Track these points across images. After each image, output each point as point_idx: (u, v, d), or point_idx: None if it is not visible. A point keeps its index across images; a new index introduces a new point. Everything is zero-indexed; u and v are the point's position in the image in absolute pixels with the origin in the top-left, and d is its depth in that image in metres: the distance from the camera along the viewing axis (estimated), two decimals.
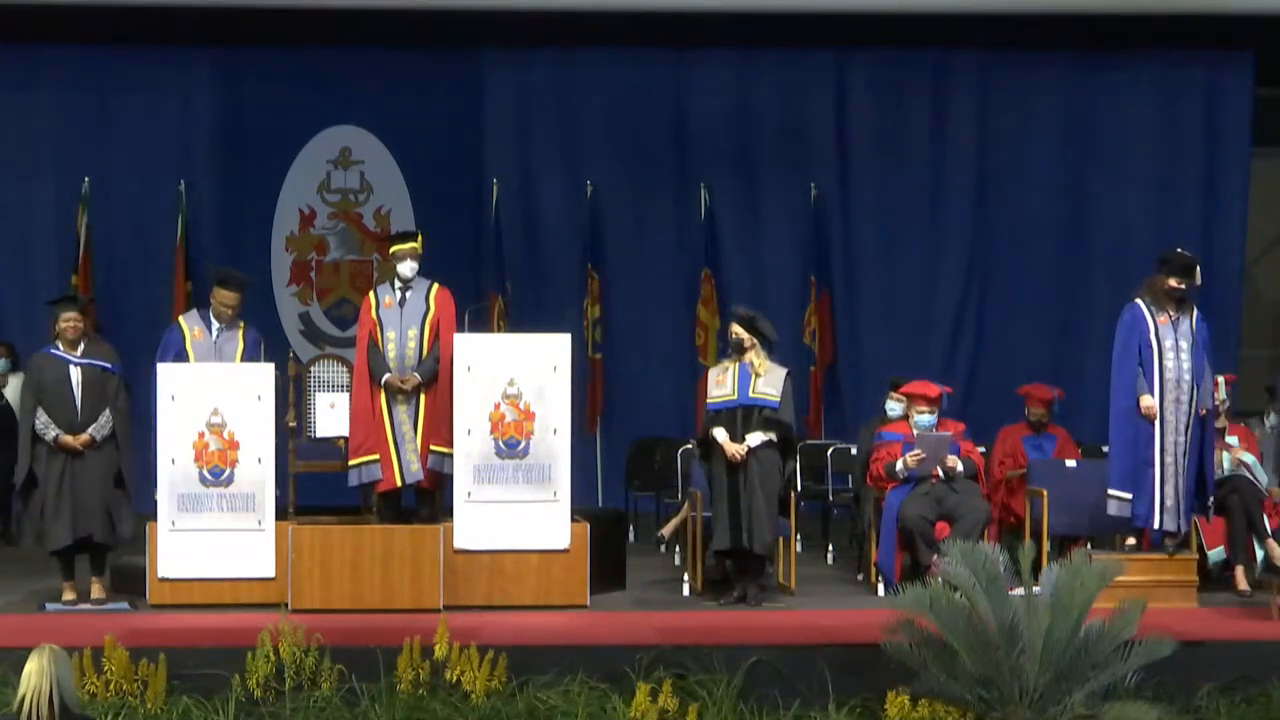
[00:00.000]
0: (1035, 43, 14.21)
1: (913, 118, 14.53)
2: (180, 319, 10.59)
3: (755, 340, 10.03)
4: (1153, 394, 9.83)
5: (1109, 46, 14.32)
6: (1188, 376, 9.83)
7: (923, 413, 10.45)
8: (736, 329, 10.10)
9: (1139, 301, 9.93)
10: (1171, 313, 9.86)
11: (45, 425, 9.60)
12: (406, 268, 10.08)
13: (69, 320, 9.76)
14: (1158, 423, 9.83)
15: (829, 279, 14.37)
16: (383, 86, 14.25)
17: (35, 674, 6.03)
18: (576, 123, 14.49)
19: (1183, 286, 9.86)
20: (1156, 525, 9.89)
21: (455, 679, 8.18)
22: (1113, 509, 9.96)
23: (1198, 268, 9.90)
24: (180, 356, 10.18)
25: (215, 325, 10.25)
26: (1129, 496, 9.89)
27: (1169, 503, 9.83)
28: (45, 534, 9.67)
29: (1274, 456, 11.52)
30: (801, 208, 14.38)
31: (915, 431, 10.36)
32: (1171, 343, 9.85)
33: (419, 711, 8.14)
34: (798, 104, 14.50)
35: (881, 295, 14.55)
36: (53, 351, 9.77)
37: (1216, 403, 10.71)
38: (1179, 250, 10.12)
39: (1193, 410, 9.83)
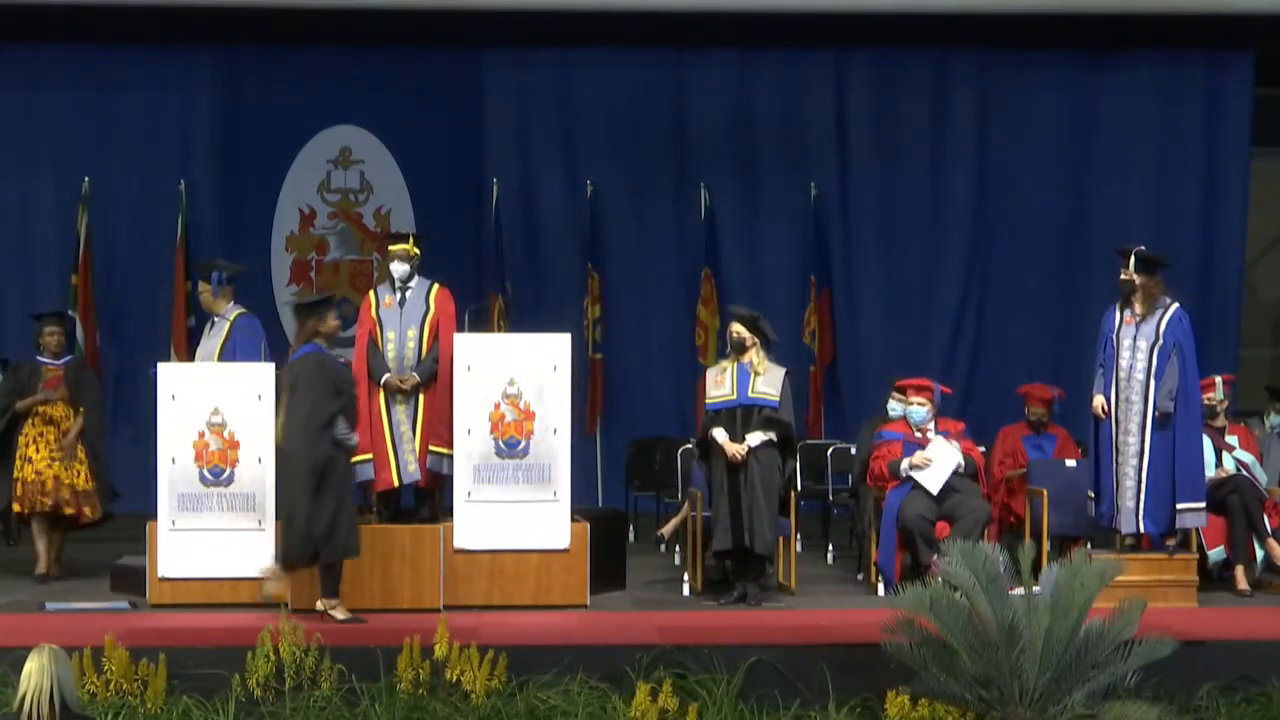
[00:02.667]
0: (1035, 43, 14.21)
1: (912, 118, 14.53)
2: None
3: (756, 339, 10.03)
4: (1109, 395, 9.87)
5: (1109, 46, 14.32)
6: (1140, 377, 9.83)
7: (913, 404, 10.48)
8: (738, 328, 10.09)
9: (1117, 303, 9.99)
10: (1138, 311, 9.87)
11: (348, 434, 9.18)
12: (398, 268, 10.08)
13: (339, 323, 9.48)
14: (1112, 423, 9.86)
15: (829, 279, 14.36)
16: (383, 86, 14.26)
17: (35, 673, 6.03)
18: (576, 123, 14.49)
19: (1129, 279, 9.88)
20: (1114, 526, 9.91)
21: (455, 679, 8.18)
22: (1090, 509, 10.10)
23: (1132, 256, 9.90)
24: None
25: (212, 320, 10.32)
26: (1093, 495, 10.00)
27: (1126, 504, 9.84)
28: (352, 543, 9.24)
29: (1274, 457, 11.50)
30: (801, 208, 14.38)
31: (932, 438, 10.32)
32: (1129, 343, 9.88)
33: (419, 711, 8.14)
34: (798, 104, 14.50)
35: (881, 295, 14.55)
36: (330, 353, 9.35)
37: (1215, 403, 10.73)
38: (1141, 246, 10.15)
39: (1147, 411, 9.82)
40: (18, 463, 10.67)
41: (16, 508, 10.70)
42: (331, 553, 9.10)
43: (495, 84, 14.44)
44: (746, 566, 10.01)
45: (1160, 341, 9.81)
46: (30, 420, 10.70)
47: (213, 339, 10.28)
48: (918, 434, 10.52)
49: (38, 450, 10.64)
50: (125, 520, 10.44)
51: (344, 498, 9.17)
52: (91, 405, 10.78)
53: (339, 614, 9.12)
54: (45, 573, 10.58)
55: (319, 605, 9.19)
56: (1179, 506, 9.82)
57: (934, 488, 10.17)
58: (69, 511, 10.61)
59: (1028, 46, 14.26)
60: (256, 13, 13.48)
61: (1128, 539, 9.98)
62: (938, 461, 10.22)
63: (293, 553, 9.08)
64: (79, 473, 10.62)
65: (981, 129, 14.55)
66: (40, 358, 10.86)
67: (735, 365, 10.05)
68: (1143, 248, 10.03)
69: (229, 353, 10.17)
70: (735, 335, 10.09)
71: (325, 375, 9.13)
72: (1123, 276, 9.92)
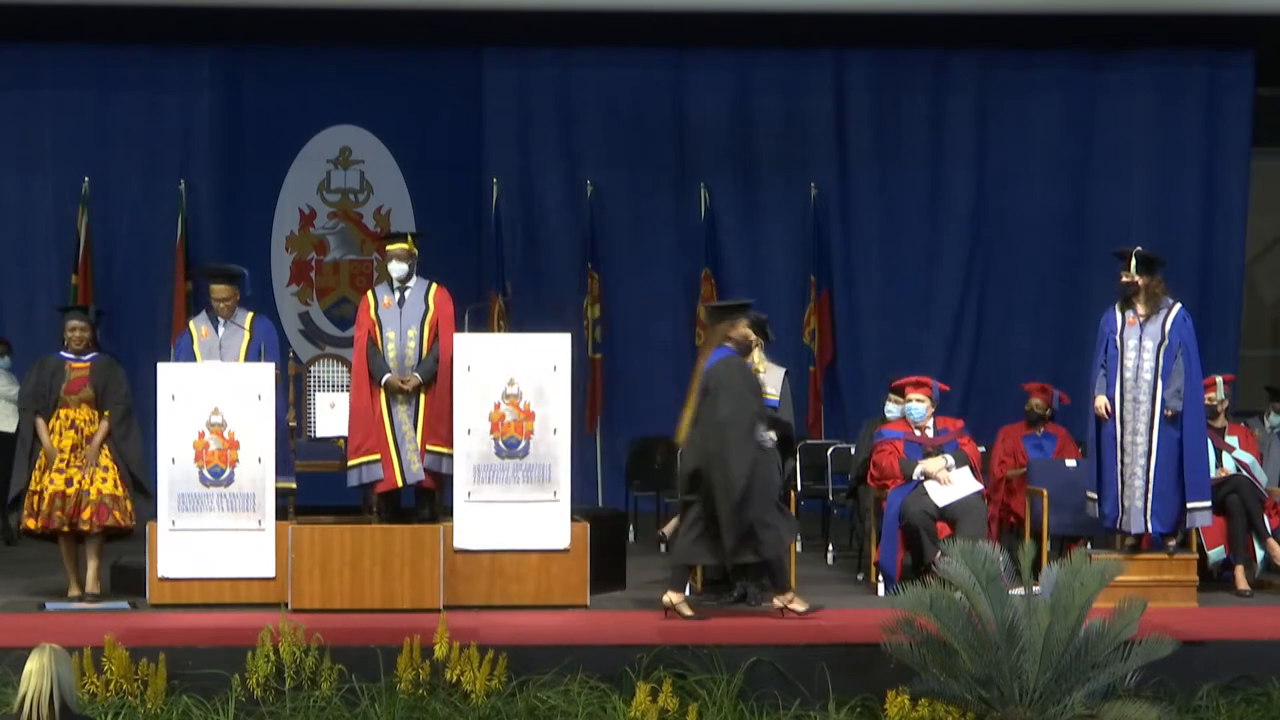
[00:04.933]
0: (1035, 42, 14.21)
1: (912, 117, 14.53)
2: (190, 322, 10.60)
3: (761, 341, 10.04)
4: (1112, 396, 9.87)
5: (1109, 46, 14.32)
6: (1148, 376, 9.83)
7: (912, 401, 10.49)
8: (748, 331, 10.05)
9: (1115, 305, 9.99)
10: (1141, 312, 9.87)
11: (764, 433, 9.31)
12: (396, 268, 10.08)
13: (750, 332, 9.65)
14: (1118, 424, 9.86)
15: (829, 279, 14.36)
16: (383, 86, 14.25)
17: (36, 674, 6.03)
18: (576, 123, 14.49)
19: (1132, 280, 9.87)
20: (1120, 527, 9.90)
21: (455, 679, 8.18)
22: (1090, 511, 10.07)
23: (1132, 258, 9.89)
24: (190, 358, 10.21)
25: (220, 322, 10.28)
26: (1095, 497, 9.98)
27: (1134, 504, 9.83)
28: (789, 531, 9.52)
29: (1274, 457, 11.51)
30: (801, 208, 14.39)
31: (954, 476, 10.33)
32: (1135, 343, 9.87)
33: (419, 711, 8.14)
34: (798, 104, 14.50)
35: (881, 295, 14.56)
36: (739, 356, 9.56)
37: (1215, 403, 10.74)
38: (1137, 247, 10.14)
39: (1155, 411, 9.83)
40: (35, 473, 9.81)
41: (32, 524, 9.76)
42: (772, 548, 9.23)
43: (495, 84, 14.44)
44: (746, 566, 9.99)
45: (1166, 341, 9.81)
46: (51, 424, 9.83)
47: (230, 341, 10.21)
48: (917, 432, 10.52)
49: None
50: None
51: (770, 494, 9.30)
52: (120, 406, 9.90)
53: (799, 606, 9.22)
54: (80, 593, 9.76)
55: (777, 602, 9.28)
56: (1189, 505, 9.83)
57: (941, 501, 10.19)
58: (84, 527, 9.68)
59: (1027, 46, 14.27)
60: (256, 13, 13.48)
61: (1128, 539, 9.97)
62: (957, 485, 10.24)
63: (727, 553, 9.21)
64: (104, 479, 9.75)
65: (981, 129, 14.56)
66: (64, 354, 9.98)
67: None
68: (1140, 248, 10.03)
69: (254, 353, 10.18)
70: (744, 339, 10.05)
71: (744, 377, 9.30)
72: (1124, 279, 9.91)
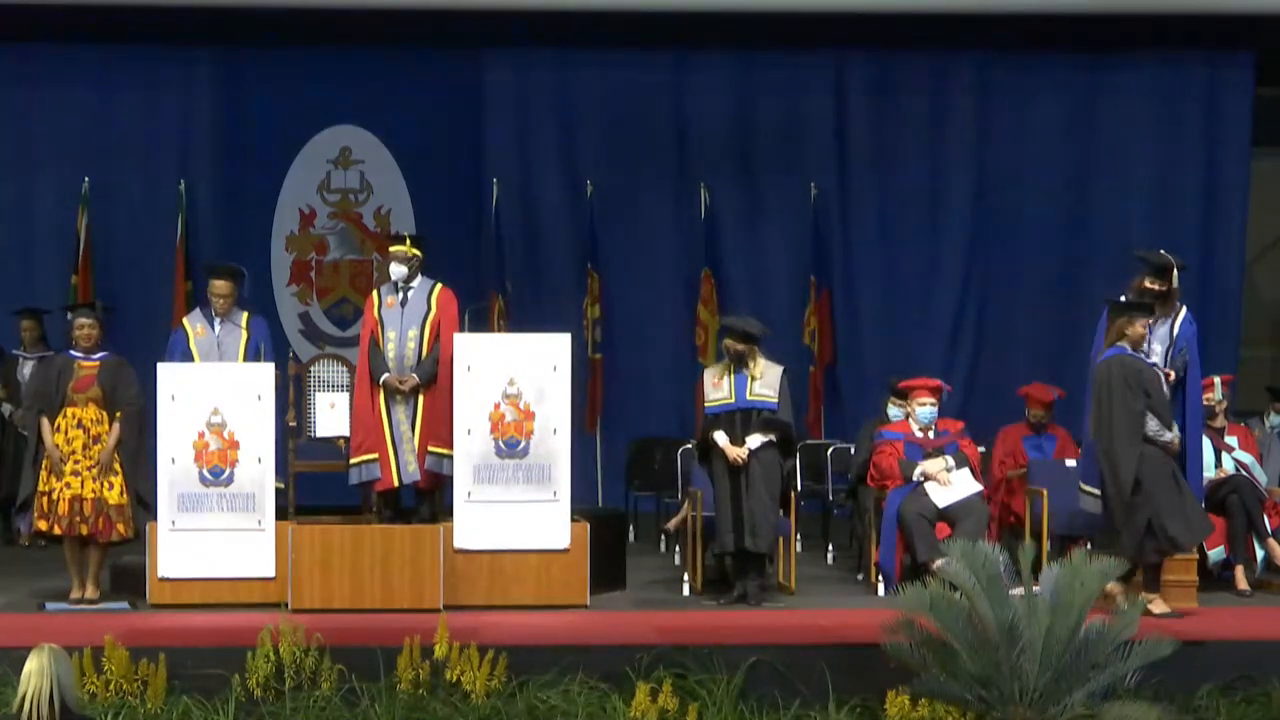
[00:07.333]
0: (1035, 43, 14.20)
1: (912, 118, 14.52)
2: (184, 320, 10.63)
3: (753, 346, 10.02)
4: None
5: (1109, 46, 14.31)
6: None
7: (924, 404, 10.49)
8: (733, 344, 10.04)
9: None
10: (1155, 314, 9.86)
11: (1159, 430, 9.50)
12: (396, 269, 10.09)
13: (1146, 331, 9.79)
14: None
15: (829, 279, 14.36)
16: (383, 86, 14.24)
17: (35, 674, 6.03)
18: (576, 123, 14.49)
19: (1160, 287, 9.86)
20: None
21: (455, 679, 8.19)
22: (1084, 504, 9.98)
23: (1174, 270, 9.88)
24: (186, 356, 10.21)
25: (216, 320, 10.29)
26: (1098, 492, 9.92)
27: None
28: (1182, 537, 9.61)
29: (1274, 457, 11.50)
30: (801, 208, 14.38)
31: (954, 477, 10.33)
32: (1145, 346, 9.85)
33: (419, 711, 8.14)
34: (797, 104, 14.50)
35: (881, 295, 14.55)
36: (1135, 354, 9.69)
37: (1213, 403, 10.74)
38: (1160, 251, 10.10)
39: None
40: (42, 474, 9.65)
41: (44, 525, 9.63)
42: (1172, 546, 9.37)
43: (495, 84, 14.43)
44: (746, 566, 10.00)
45: (1174, 345, 9.82)
46: (57, 423, 9.66)
47: (228, 340, 10.26)
48: (918, 433, 10.53)
49: (65, 461, 9.61)
50: None
51: (1165, 493, 9.40)
52: (130, 407, 9.74)
53: (1157, 609, 9.21)
54: (81, 597, 9.65)
55: (1142, 598, 9.17)
56: None
57: (941, 502, 10.20)
58: (84, 531, 9.59)
59: (1027, 47, 14.26)
60: (256, 13, 13.48)
61: None
62: (957, 486, 10.25)
63: (1132, 553, 9.24)
64: (112, 485, 9.63)
65: (981, 129, 14.55)
66: (73, 352, 9.85)
67: (733, 367, 10.04)
68: (1172, 256, 10.00)
69: (253, 352, 10.22)
70: (732, 351, 10.06)
71: (1128, 375, 9.46)
72: (1159, 287, 9.83)
